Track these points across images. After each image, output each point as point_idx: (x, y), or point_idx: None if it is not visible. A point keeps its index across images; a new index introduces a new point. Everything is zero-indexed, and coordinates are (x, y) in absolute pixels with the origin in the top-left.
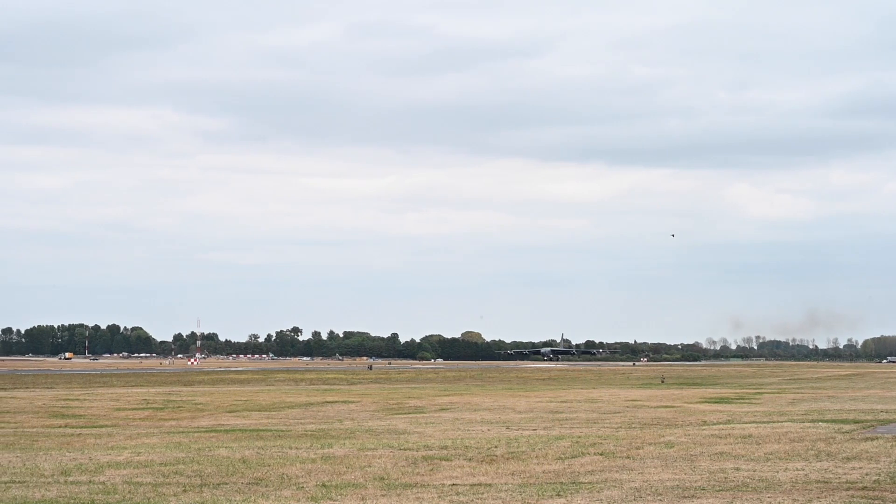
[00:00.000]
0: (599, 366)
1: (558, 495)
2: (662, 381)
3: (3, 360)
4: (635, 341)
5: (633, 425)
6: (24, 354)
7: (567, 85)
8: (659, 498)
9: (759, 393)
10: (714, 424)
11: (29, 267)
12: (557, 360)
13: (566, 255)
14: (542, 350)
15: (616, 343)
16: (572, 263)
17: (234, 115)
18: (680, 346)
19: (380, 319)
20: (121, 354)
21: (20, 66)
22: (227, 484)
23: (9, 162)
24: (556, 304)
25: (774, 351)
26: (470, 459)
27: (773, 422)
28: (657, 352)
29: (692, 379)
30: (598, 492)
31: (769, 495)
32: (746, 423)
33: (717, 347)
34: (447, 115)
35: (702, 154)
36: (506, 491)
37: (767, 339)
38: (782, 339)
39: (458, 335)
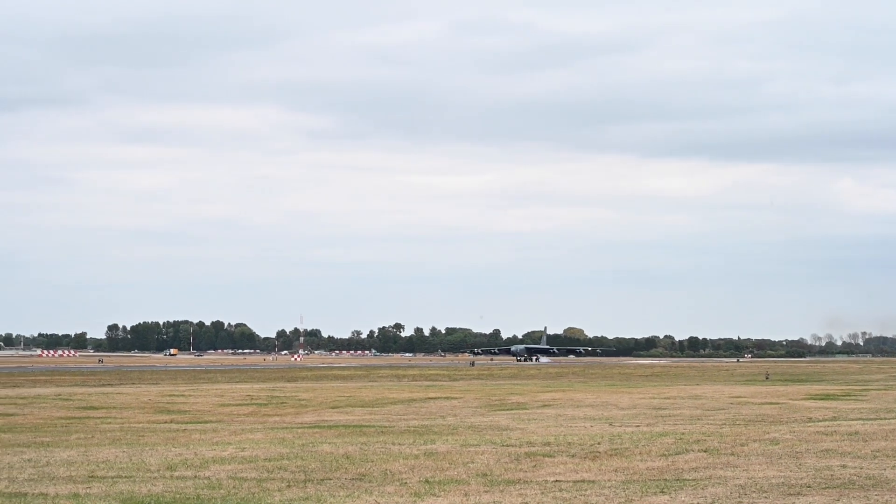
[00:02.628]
0: (703, 362)
1: (662, 492)
2: (767, 378)
3: (109, 356)
4: (738, 337)
5: (738, 422)
6: (129, 351)
7: (669, 80)
8: (764, 495)
9: (865, 390)
10: (820, 421)
11: (134, 264)
12: (534, 360)
13: (669, 250)
14: (514, 348)
15: (720, 339)
16: (675, 259)
17: (337, 113)
18: (784, 343)
19: (482, 315)
20: (225, 351)
21: (126, 66)
22: (330, 479)
23: (115, 161)
24: (659, 300)
25: (881, 347)
26: (573, 456)
27: (881, 419)
28: (761, 348)
29: (797, 375)
30: (703, 489)
31: (876, 493)
32: (853, 419)
33: (823, 344)
34: (549, 111)
35: (805, 148)
36: (609, 487)
37: (874, 335)
38: (889, 335)
39: (560, 331)
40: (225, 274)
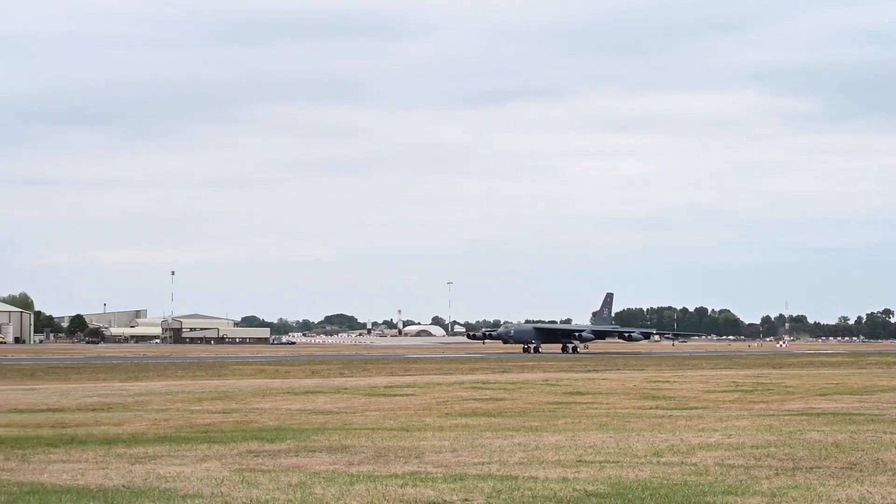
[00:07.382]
0: None
1: None
2: None
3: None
4: None
5: None
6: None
7: None
8: None
9: None
10: None
11: (618, 251)
12: (583, 346)
13: None
14: (577, 331)
15: None
16: None
17: (818, 96)
18: None
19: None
20: (708, 337)
21: (605, 56)
22: (819, 468)
23: (595, 150)
24: None
25: None
26: None
27: None
28: None
29: None
30: None
31: None
32: None
33: None
34: None
35: None
36: None
37: None
38: None
39: None
40: (708, 260)
